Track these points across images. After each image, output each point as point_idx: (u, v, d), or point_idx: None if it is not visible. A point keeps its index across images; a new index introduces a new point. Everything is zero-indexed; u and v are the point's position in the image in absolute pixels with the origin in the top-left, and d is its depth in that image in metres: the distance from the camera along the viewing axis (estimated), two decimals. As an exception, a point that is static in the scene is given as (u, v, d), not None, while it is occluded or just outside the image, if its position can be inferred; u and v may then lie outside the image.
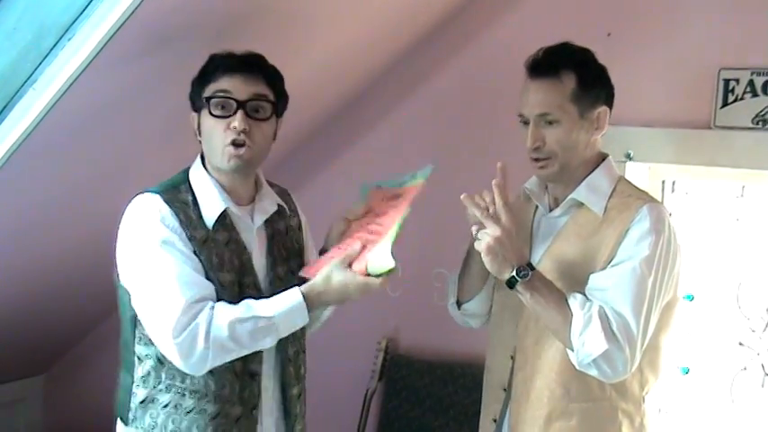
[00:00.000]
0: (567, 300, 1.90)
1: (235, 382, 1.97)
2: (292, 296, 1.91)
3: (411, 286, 3.14)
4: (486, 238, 1.87)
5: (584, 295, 1.92)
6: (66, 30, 1.84)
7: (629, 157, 2.73)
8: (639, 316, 1.87)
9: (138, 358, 1.97)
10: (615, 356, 1.85)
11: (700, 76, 2.63)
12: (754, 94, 2.56)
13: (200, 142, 2.01)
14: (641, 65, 2.71)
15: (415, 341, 3.21)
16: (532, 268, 1.89)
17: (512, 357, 2.12)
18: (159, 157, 2.19)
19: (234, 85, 1.93)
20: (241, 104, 1.92)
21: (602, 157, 2.07)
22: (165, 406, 1.95)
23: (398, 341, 3.23)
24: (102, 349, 3.35)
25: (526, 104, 2.01)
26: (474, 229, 1.92)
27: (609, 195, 2.01)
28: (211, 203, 1.97)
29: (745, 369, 2.82)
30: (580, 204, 2.03)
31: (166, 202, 1.93)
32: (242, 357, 1.92)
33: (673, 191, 2.88)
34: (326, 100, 3.04)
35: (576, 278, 1.97)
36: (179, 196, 1.96)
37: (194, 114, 2.00)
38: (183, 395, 1.95)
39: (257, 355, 1.97)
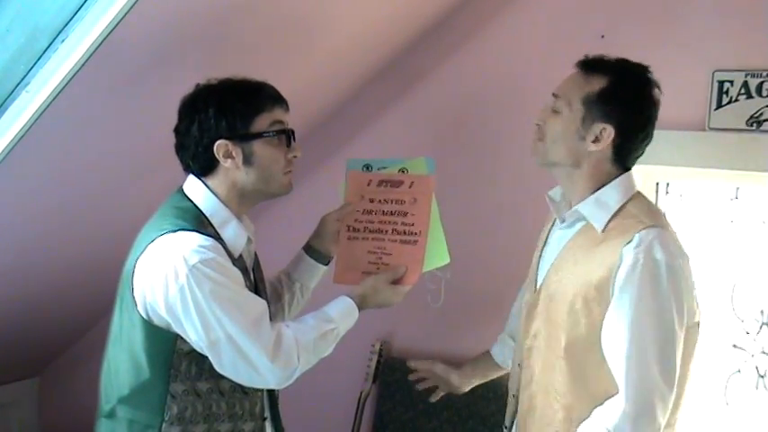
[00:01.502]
0: None
1: (262, 398, 2.10)
2: (345, 303, 2.10)
3: (405, 288, 3.15)
4: None
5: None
6: (60, 32, 1.83)
7: (623, 158, 2.73)
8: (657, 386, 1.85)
9: (173, 396, 1.94)
10: None
11: (694, 77, 2.63)
12: (749, 96, 2.56)
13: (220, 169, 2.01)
14: (635, 67, 2.71)
15: (408, 343, 3.21)
16: None
17: (519, 365, 2.13)
18: (154, 159, 2.18)
19: (284, 116, 2.03)
20: (294, 134, 2.04)
21: (623, 171, 2.02)
22: None
23: (392, 343, 3.23)
24: (98, 351, 3.33)
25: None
26: None
27: (613, 213, 1.95)
28: (234, 234, 2.00)
29: (739, 371, 2.82)
30: (584, 218, 2.00)
31: (209, 236, 1.92)
32: None
33: (667, 193, 2.88)
34: (319, 102, 3.04)
35: (573, 297, 1.94)
36: (208, 230, 1.96)
37: (227, 142, 1.96)
38: (223, 421, 1.99)
39: None
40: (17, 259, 2.62)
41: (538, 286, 2.10)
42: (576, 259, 1.98)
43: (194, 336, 1.88)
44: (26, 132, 2.00)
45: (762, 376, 2.79)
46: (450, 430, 3.00)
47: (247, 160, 1.98)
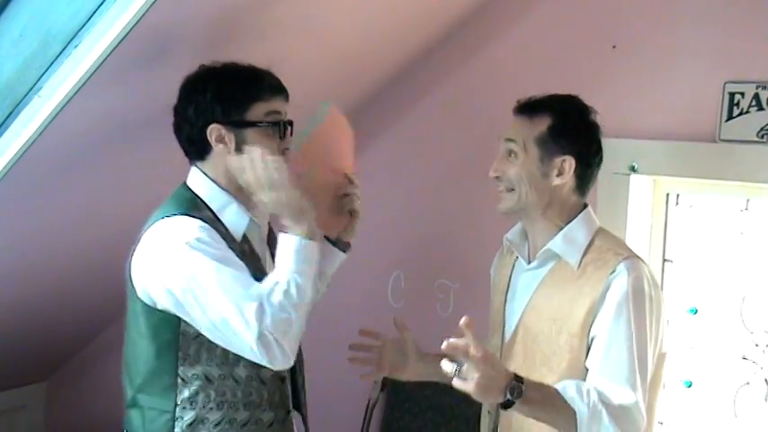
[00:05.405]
0: (560, 394, 1.85)
1: (281, 387, 2.06)
2: (288, 242, 1.91)
3: (413, 297, 3.15)
4: (471, 375, 1.74)
5: (574, 381, 1.90)
6: (73, 37, 1.84)
7: (633, 169, 2.73)
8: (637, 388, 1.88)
9: (183, 380, 1.95)
10: None
11: (705, 89, 2.63)
12: (760, 108, 2.55)
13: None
14: (646, 77, 2.71)
15: (417, 352, 3.20)
16: (520, 380, 1.78)
17: (489, 413, 2.15)
18: (166, 163, 2.18)
19: (282, 107, 2.01)
20: (289, 126, 2.02)
21: (583, 207, 2.07)
22: (218, 424, 1.97)
23: (401, 352, 3.22)
24: (106, 355, 3.34)
25: (503, 133, 2.06)
26: (450, 368, 1.77)
27: (585, 248, 2.00)
28: (235, 217, 2.00)
29: (748, 384, 2.81)
30: (557, 256, 2.02)
31: (202, 220, 1.93)
32: None
33: (677, 204, 2.88)
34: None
35: (556, 334, 1.96)
36: (204, 213, 1.96)
37: (220, 127, 1.95)
38: (237, 408, 1.98)
39: None
40: (27, 263, 2.63)
41: (511, 329, 2.09)
42: (554, 298, 1.99)
43: (194, 315, 1.87)
44: (38, 137, 2.01)
45: (771, 389, 2.78)
46: (458, 440, 3.00)
47: (239, 147, 1.97)
